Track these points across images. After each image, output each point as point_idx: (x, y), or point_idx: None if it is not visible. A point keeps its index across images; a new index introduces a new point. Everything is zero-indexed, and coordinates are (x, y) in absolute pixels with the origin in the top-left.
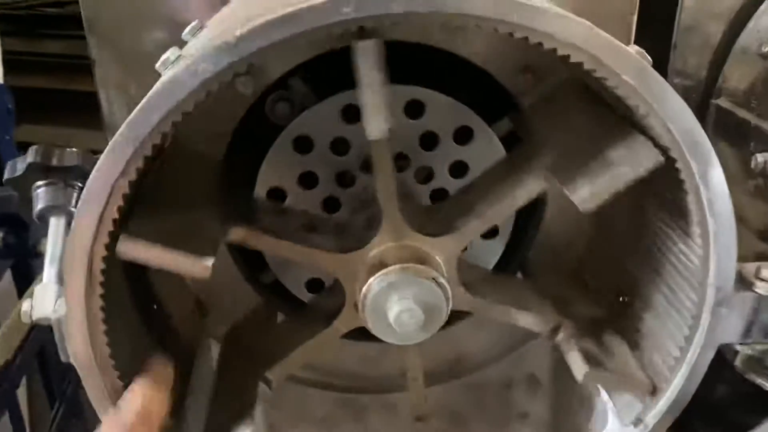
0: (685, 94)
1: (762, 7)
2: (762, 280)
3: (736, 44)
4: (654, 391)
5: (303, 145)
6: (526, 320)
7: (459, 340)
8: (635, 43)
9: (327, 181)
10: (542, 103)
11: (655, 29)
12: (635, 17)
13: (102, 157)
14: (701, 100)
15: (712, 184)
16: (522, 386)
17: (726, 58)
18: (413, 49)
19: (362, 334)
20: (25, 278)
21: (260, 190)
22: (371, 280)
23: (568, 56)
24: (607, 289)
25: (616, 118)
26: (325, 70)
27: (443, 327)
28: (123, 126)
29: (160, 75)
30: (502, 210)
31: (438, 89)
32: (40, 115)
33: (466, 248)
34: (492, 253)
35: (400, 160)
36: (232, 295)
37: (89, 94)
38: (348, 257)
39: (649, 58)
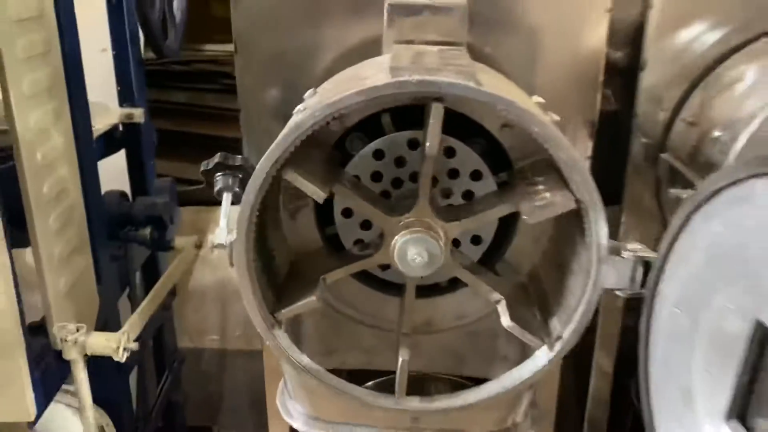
0: (646, 150)
1: (694, 92)
2: (626, 250)
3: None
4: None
5: (378, 154)
6: (481, 289)
7: (461, 303)
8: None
9: (386, 181)
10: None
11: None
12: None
13: (259, 163)
14: (656, 155)
15: (599, 223)
16: (503, 336)
17: (672, 125)
18: (460, 116)
19: (399, 291)
20: (154, 270)
21: (349, 173)
22: (400, 234)
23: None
24: (547, 279)
25: (559, 176)
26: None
27: (452, 293)
28: (273, 144)
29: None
30: (486, 218)
31: (467, 143)
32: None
33: (459, 243)
34: (476, 254)
35: (433, 181)
36: (308, 238)
37: (204, 136)
38: (393, 219)
39: (556, 117)
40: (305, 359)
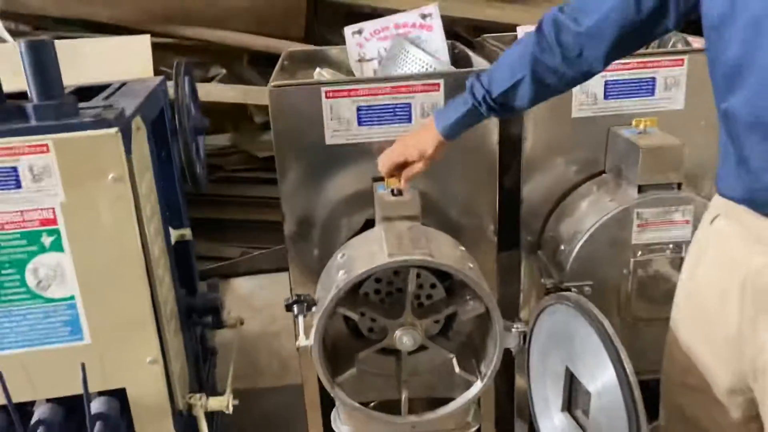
0: (531, 247)
1: (555, 211)
2: (514, 327)
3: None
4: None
5: (377, 280)
6: (441, 352)
7: (432, 356)
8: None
9: (383, 293)
10: None
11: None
12: None
13: (323, 307)
14: (535, 251)
15: (497, 318)
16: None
17: (543, 232)
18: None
19: (396, 353)
20: (204, 341)
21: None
22: (398, 330)
23: None
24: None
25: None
26: None
27: (427, 350)
28: (328, 300)
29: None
30: (441, 315)
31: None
32: None
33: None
34: (437, 328)
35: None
36: (338, 330)
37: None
38: (393, 322)
39: (471, 265)
40: (355, 403)
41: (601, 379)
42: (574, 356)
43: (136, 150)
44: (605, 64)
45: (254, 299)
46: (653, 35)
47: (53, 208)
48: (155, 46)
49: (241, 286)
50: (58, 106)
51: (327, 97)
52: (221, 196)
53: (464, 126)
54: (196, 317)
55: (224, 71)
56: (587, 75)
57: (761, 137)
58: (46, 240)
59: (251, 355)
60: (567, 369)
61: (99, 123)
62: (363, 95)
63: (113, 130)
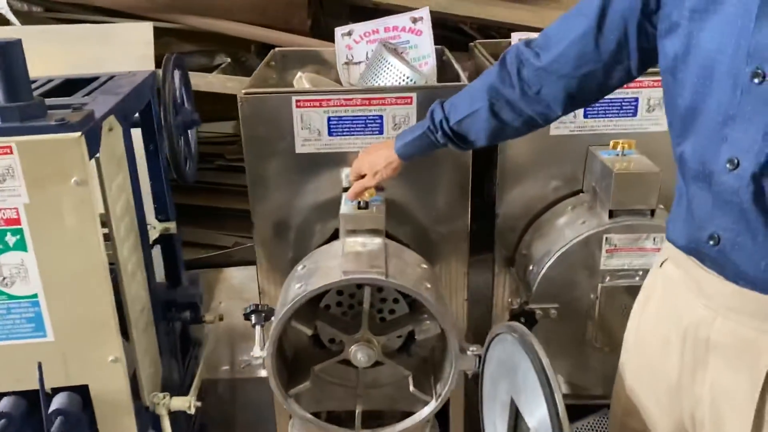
0: (505, 259)
1: (529, 229)
2: (469, 350)
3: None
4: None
5: (339, 292)
6: (398, 369)
7: (392, 370)
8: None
9: (345, 305)
10: None
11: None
12: None
13: (277, 320)
14: (509, 267)
15: (453, 340)
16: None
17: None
18: None
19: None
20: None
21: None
22: (354, 345)
23: None
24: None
25: None
26: None
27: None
28: (283, 311)
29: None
30: (399, 332)
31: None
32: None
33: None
34: (397, 343)
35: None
36: (300, 339)
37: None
38: (349, 337)
39: (429, 286)
40: (307, 414)
41: (538, 415)
42: (517, 388)
43: (107, 151)
44: (563, 108)
45: (245, 290)
46: (614, 80)
47: (17, 209)
48: (161, 32)
49: (234, 276)
50: (23, 108)
51: (297, 107)
52: (221, 185)
53: (418, 149)
54: (175, 312)
55: (229, 60)
56: (544, 117)
57: (704, 186)
58: (10, 239)
59: (239, 347)
60: (512, 400)
61: (63, 127)
62: (334, 105)
63: (76, 134)
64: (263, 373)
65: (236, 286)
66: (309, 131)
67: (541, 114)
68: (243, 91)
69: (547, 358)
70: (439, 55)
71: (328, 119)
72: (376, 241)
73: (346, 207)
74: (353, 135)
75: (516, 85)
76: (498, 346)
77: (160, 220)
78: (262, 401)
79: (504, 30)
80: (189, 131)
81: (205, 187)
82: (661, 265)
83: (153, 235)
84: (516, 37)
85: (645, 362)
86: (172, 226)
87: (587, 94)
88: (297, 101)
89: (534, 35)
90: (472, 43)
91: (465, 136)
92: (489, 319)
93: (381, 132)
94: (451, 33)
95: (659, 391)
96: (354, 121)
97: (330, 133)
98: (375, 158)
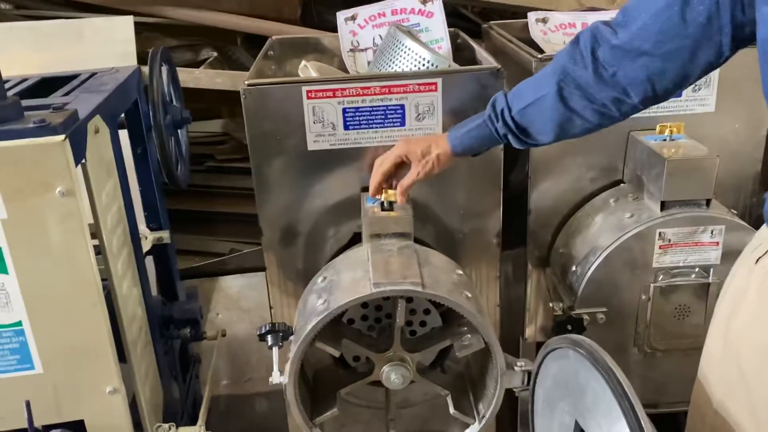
0: (539, 260)
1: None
2: (517, 366)
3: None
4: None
5: (364, 305)
6: (435, 388)
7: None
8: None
9: (371, 320)
10: None
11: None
12: None
13: (299, 342)
14: (543, 266)
15: (498, 355)
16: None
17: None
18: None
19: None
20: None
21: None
22: (386, 366)
23: None
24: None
25: None
26: None
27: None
28: (305, 333)
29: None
30: (435, 348)
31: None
32: None
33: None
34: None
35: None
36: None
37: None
38: (380, 356)
39: (470, 294)
40: None
41: None
42: (584, 411)
43: (94, 155)
44: (641, 96)
45: (243, 300)
46: (700, 61)
47: None
48: (142, 27)
49: (230, 285)
50: None
51: (309, 98)
52: (211, 188)
53: (476, 140)
54: (173, 329)
55: (215, 54)
56: (618, 106)
57: None
58: None
59: (239, 360)
60: (576, 424)
61: (43, 129)
62: (350, 96)
63: (59, 138)
64: (268, 387)
65: (234, 296)
66: (322, 125)
67: (616, 101)
68: (246, 82)
69: (628, 380)
70: (453, 38)
71: (344, 111)
72: (406, 247)
73: (369, 209)
74: (372, 128)
75: (590, 65)
76: (555, 363)
77: (152, 230)
78: (269, 417)
79: (507, 14)
80: (179, 131)
81: (195, 190)
82: (756, 262)
83: (145, 246)
84: (533, 17)
85: (738, 375)
86: (165, 235)
87: (668, 79)
88: (308, 92)
89: (549, 15)
90: (486, 25)
91: (528, 128)
92: (521, 325)
93: (402, 124)
94: (450, 17)
95: (758, 407)
96: (373, 112)
97: (346, 127)
98: (423, 145)
